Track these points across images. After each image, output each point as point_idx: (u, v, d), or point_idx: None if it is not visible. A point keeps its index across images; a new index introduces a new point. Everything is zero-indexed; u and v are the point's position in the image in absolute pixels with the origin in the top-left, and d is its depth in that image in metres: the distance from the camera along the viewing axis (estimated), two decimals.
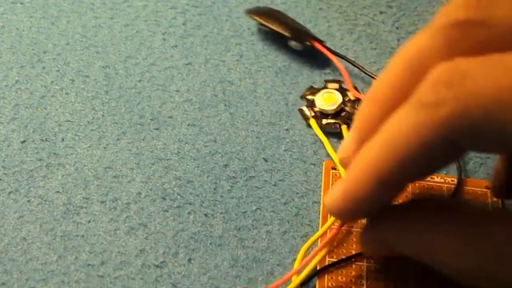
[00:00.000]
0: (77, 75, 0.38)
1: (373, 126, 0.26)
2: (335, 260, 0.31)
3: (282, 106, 0.37)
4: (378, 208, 0.27)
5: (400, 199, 0.33)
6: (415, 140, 0.24)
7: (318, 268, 0.31)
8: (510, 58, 0.23)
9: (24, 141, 0.35)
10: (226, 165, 0.35)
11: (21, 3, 0.41)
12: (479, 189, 0.34)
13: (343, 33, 0.41)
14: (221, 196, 0.34)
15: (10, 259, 0.31)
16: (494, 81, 0.22)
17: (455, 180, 0.35)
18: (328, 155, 0.35)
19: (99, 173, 0.34)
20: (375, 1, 0.43)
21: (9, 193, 0.33)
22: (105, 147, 0.35)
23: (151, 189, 0.34)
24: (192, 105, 0.37)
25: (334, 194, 0.27)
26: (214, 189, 0.34)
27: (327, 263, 0.31)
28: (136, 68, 0.39)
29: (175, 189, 0.34)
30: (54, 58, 0.39)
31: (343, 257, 0.31)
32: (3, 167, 0.34)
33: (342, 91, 0.37)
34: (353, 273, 0.31)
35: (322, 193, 0.34)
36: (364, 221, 0.31)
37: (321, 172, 0.35)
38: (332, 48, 0.39)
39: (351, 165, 0.26)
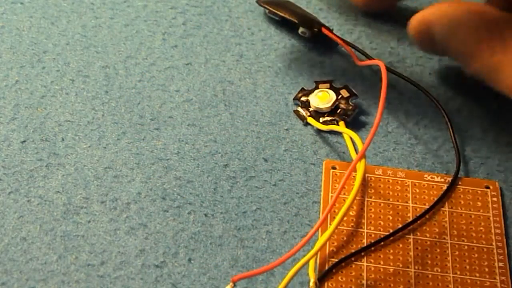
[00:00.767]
0: (77, 75, 0.38)
1: None
2: (335, 260, 0.31)
3: (282, 106, 0.37)
4: None
5: None
6: None
7: (318, 267, 0.31)
8: None
9: (24, 141, 0.35)
10: (226, 165, 0.35)
11: (21, 3, 0.41)
12: (479, 189, 0.34)
13: (343, 33, 0.41)
14: (221, 196, 0.34)
15: (10, 259, 0.31)
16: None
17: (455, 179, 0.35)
18: (328, 155, 0.35)
19: (99, 173, 0.34)
20: None
21: (9, 193, 0.33)
22: (105, 147, 0.35)
23: (151, 189, 0.34)
24: (192, 105, 0.37)
25: None
26: (214, 189, 0.34)
27: (327, 263, 0.31)
28: (136, 68, 0.39)
29: (175, 189, 0.34)
30: (54, 58, 0.39)
31: (343, 257, 0.31)
32: (3, 167, 0.34)
33: (334, 89, 0.37)
34: (353, 273, 0.31)
35: (322, 193, 0.34)
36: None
37: (321, 172, 0.35)
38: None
39: None
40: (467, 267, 0.32)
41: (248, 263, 0.32)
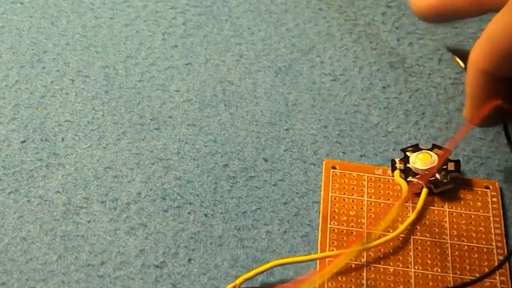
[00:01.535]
0: (77, 75, 0.38)
1: None
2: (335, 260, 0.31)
3: (282, 106, 0.37)
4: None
5: None
6: None
7: (318, 267, 0.31)
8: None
9: (24, 141, 0.35)
10: (226, 165, 0.35)
11: (21, 3, 0.41)
12: (479, 189, 0.34)
13: (343, 33, 0.41)
14: (221, 196, 0.34)
15: (10, 259, 0.31)
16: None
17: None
18: (328, 155, 0.35)
19: (99, 173, 0.34)
20: (375, 1, 0.43)
21: (9, 193, 0.33)
22: (105, 147, 0.35)
23: (151, 189, 0.34)
24: (192, 105, 0.37)
25: None
26: (214, 189, 0.34)
27: (327, 263, 0.31)
28: (136, 68, 0.39)
29: (175, 189, 0.34)
30: (54, 58, 0.39)
31: (343, 257, 0.31)
32: (3, 167, 0.34)
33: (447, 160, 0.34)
34: (353, 273, 0.31)
35: (322, 193, 0.34)
36: None
37: (321, 172, 0.35)
38: (332, 48, 0.39)
39: None
40: (467, 267, 0.32)
41: (248, 263, 0.32)
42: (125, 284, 0.31)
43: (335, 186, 0.34)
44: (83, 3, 0.42)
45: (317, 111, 0.37)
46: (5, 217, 0.32)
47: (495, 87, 0.32)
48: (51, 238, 0.32)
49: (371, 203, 0.33)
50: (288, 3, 0.42)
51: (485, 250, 0.32)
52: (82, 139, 0.35)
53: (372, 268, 0.31)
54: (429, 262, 0.32)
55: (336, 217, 0.33)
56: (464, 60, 0.38)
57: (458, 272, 0.31)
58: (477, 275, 0.31)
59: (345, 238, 0.32)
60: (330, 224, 0.33)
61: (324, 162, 0.35)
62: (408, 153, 0.35)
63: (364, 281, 0.31)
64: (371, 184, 0.34)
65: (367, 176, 0.34)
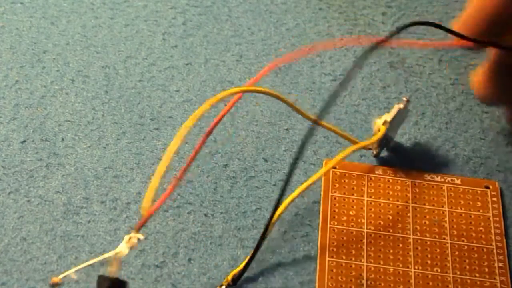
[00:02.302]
0: (77, 75, 0.38)
1: None
2: (335, 260, 0.31)
3: (282, 106, 0.37)
4: None
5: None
6: None
7: (318, 267, 0.31)
8: None
9: (24, 141, 0.35)
10: (226, 165, 0.35)
11: (21, 3, 0.41)
12: (479, 189, 0.34)
13: (343, 33, 0.41)
14: (221, 196, 0.34)
15: (10, 259, 0.31)
16: None
17: (455, 179, 0.35)
18: (328, 155, 0.35)
19: (99, 173, 0.34)
20: (375, 1, 0.43)
21: (9, 193, 0.33)
22: (105, 147, 0.35)
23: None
24: (192, 105, 0.37)
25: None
26: (214, 189, 0.34)
27: (327, 263, 0.31)
28: (136, 68, 0.39)
29: (175, 189, 0.34)
30: (54, 58, 0.39)
31: (343, 257, 0.32)
32: (3, 167, 0.34)
33: None
34: (353, 273, 0.31)
35: (322, 193, 0.34)
36: None
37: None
38: (332, 48, 0.39)
39: None
40: (467, 267, 0.32)
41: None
42: None
43: (335, 186, 0.34)
44: (83, 3, 0.42)
45: (317, 111, 0.37)
46: (5, 217, 0.32)
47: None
48: (51, 238, 0.32)
49: (371, 203, 0.33)
50: (288, 3, 0.42)
51: (485, 250, 0.32)
52: (82, 139, 0.35)
53: (372, 268, 0.31)
54: (429, 262, 0.32)
55: (336, 217, 0.33)
56: None
57: (458, 272, 0.31)
58: (477, 275, 0.31)
59: (345, 238, 0.32)
60: (330, 224, 0.33)
61: (324, 162, 0.35)
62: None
63: (364, 281, 0.31)
64: (371, 184, 0.34)
65: (367, 176, 0.34)
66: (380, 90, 0.38)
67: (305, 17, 0.42)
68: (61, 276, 0.28)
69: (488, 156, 0.36)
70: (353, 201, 0.34)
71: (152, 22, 0.41)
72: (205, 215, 0.33)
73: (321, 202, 0.33)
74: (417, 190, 0.34)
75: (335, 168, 0.35)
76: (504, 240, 0.32)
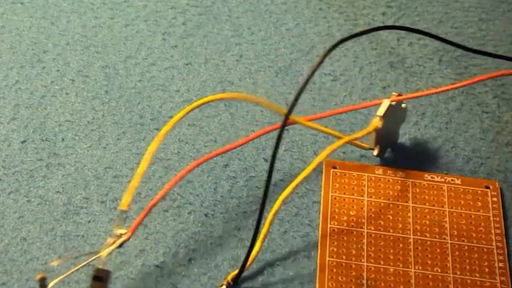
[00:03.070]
0: (77, 75, 0.38)
1: None
2: (335, 260, 0.31)
3: (282, 106, 0.37)
4: None
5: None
6: None
7: (318, 267, 0.31)
8: None
9: (24, 141, 0.35)
10: (226, 165, 0.35)
11: (21, 3, 0.41)
12: (479, 189, 0.34)
13: (343, 33, 0.41)
14: (221, 196, 0.34)
15: (10, 259, 0.31)
16: None
17: (455, 179, 0.35)
18: (328, 155, 0.35)
19: (99, 173, 0.34)
20: (375, 1, 0.43)
21: (9, 193, 0.33)
22: (105, 147, 0.35)
23: (151, 189, 0.34)
24: None
25: None
26: (214, 189, 0.34)
27: (327, 263, 0.31)
28: (136, 68, 0.39)
29: (175, 189, 0.34)
30: (54, 58, 0.39)
31: (343, 257, 0.32)
32: (3, 167, 0.34)
33: None
34: (353, 273, 0.31)
35: (322, 193, 0.34)
36: None
37: (321, 172, 0.35)
38: None
39: None
40: (467, 267, 0.32)
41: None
42: (125, 284, 0.31)
43: (335, 186, 0.34)
44: (83, 3, 0.42)
45: (317, 111, 0.37)
46: (5, 217, 0.32)
47: None
48: (51, 238, 0.32)
49: (371, 203, 0.33)
50: (288, 3, 0.42)
51: (485, 250, 0.32)
52: (82, 139, 0.35)
53: (372, 268, 0.31)
54: (429, 262, 0.32)
55: (336, 217, 0.33)
56: None
57: (458, 272, 0.31)
58: (477, 275, 0.31)
59: (345, 238, 0.32)
60: (330, 224, 0.33)
61: (324, 162, 0.35)
62: None
63: (364, 281, 0.31)
64: (371, 184, 0.34)
65: (367, 176, 0.34)
66: (380, 90, 0.38)
67: (305, 17, 0.42)
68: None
69: (488, 156, 0.36)
70: (353, 201, 0.34)
71: (152, 22, 0.41)
72: (205, 215, 0.33)
73: (321, 202, 0.33)
74: (417, 190, 0.34)
75: (335, 168, 0.35)
76: (504, 240, 0.32)
